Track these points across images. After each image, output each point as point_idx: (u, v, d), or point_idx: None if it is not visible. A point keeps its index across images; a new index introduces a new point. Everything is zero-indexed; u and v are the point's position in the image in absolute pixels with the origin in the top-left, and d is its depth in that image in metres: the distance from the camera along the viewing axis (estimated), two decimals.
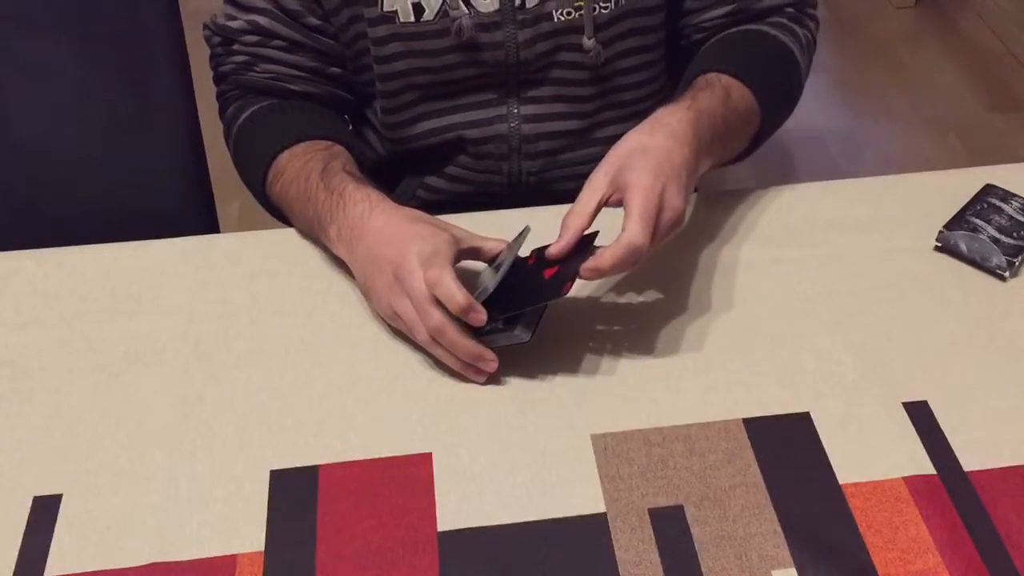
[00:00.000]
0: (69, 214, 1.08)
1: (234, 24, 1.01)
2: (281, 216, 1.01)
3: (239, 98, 1.04)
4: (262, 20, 1.00)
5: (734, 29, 1.05)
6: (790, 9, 1.06)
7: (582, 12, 0.98)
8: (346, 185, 0.90)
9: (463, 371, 0.83)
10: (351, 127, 1.17)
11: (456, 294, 0.78)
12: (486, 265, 0.87)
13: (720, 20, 1.05)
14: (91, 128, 1.05)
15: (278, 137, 0.98)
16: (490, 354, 0.81)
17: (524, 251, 0.86)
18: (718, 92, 0.93)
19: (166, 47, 1.06)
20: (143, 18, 1.02)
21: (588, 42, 1.00)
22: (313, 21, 1.01)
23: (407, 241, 0.83)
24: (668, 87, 1.12)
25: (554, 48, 1.01)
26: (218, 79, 1.06)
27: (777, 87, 1.01)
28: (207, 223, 1.18)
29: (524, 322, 0.81)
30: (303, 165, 0.94)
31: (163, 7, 1.05)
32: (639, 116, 1.10)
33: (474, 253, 0.87)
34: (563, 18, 0.99)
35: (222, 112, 1.07)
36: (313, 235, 0.95)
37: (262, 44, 1.01)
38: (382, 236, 0.85)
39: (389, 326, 0.88)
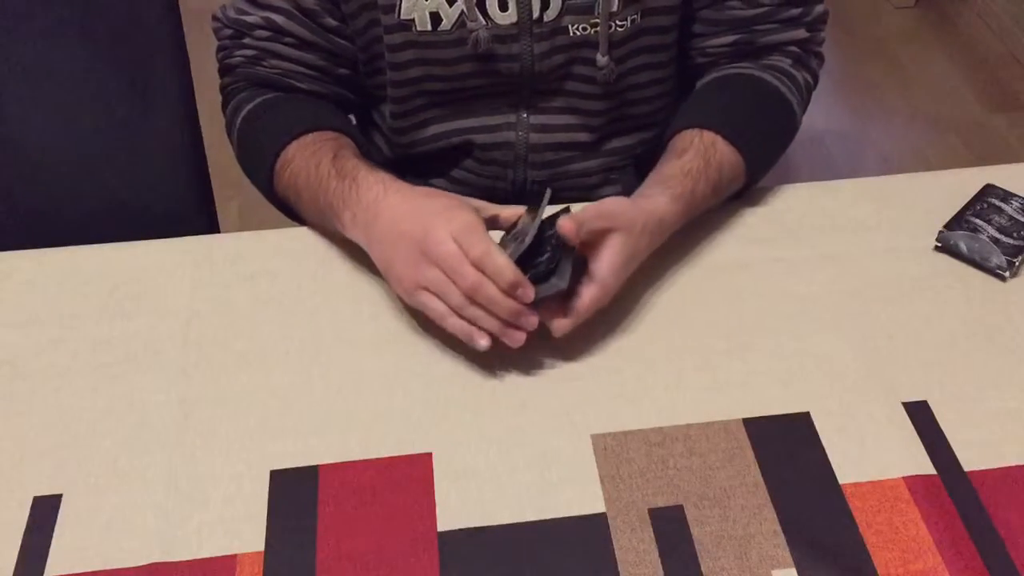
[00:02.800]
0: (69, 214, 1.08)
1: (248, 18, 1.00)
2: (285, 208, 1.00)
3: (244, 90, 1.03)
4: (278, 18, 0.99)
5: (727, 72, 1.04)
6: (795, 48, 1.04)
7: (598, 29, 0.98)
8: (359, 170, 0.89)
9: (500, 334, 0.81)
10: (361, 130, 1.17)
11: (506, 268, 0.78)
12: (502, 233, 0.87)
13: (724, 49, 1.04)
14: (91, 128, 1.05)
15: (286, 127, 0.97)
16: (530, 310, 0.80)
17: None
18: (698, 162, 0.93)
19: (166, 47, 1.06)
20: (143, 18, 1.02)
21: (602, 59, 1.00)
22: (331, 22, 1.00)
23: (430, 215, 0.82)
24: (679, 101, 1.12)
25: (568, 61, 1.01)
26: (224, 71, 1.05)
27: (765, 140, 0.99)
28: (207, 223, 1.18)
29: (558, 272, 0.81)
30: (312, 154, 0.93)
31: (163, 7, 1.05)
32: (647, 129, 1.11)
33: (492, 222, 0.87)
34: (579, 33, 0.98)
35: (225, 105, 1.06)
36: (324, 223, 0.94)
37: (274, 40, 1.00)
38: (400, 212, 0.84)
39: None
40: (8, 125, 1.02)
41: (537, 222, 0.83)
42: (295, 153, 0.95)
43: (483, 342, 0.81)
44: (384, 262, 0.86)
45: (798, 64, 1.05)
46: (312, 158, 0.93)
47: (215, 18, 1.04)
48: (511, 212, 0.87)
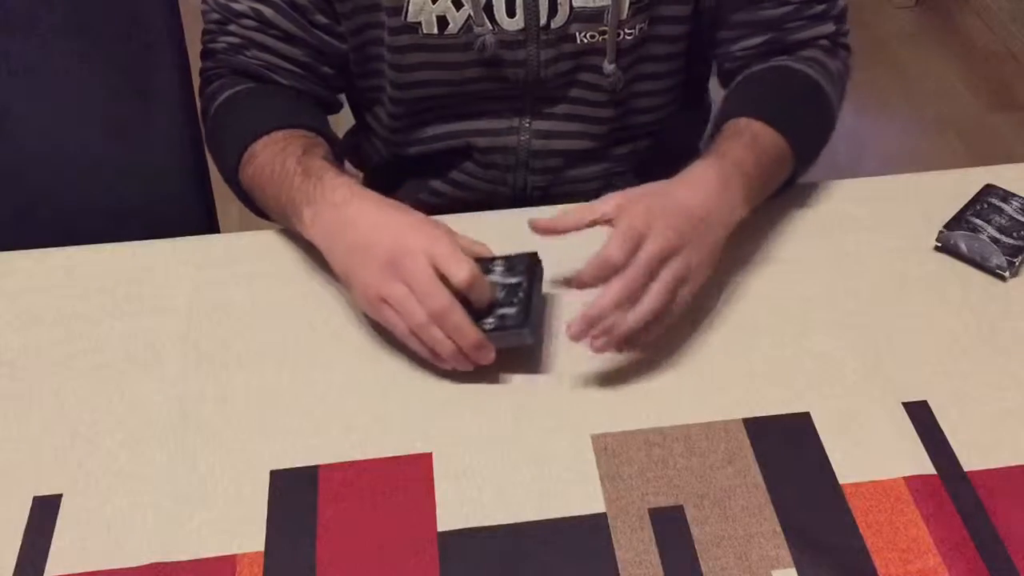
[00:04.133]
0: (69, 214, 1.08)
1: (236, 6, 0.98)
2: (248, 202, 0.98)
3: (223, 77, 1.01)
4: (267, 11, 0.97)
5: (762, 66, 1.02)
6: (824, 41, 1.04)
7: (606, 36, 0.98)
8: (325, 171, 0.88)
9: (453, 359, 0.80)
10: (357, 129, 1.16)
11: (484, 296, 0.79)
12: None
13: (753, 51, 1.03)
14: (91, 128, 1.05)
15: (258, 121, 0.95)
16: (490, 345, 0.80)
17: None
18: (746, 138, 0.91)
19: (166, 47, 1.06)
20: (143, 18, 1.02)
21: (609, 67, 1.00)
22: (321, 19, 0.99)
23: (406, 228, 0.81)
24: (681, 109, 1.12)
25: (574, 68, 1.01)
26: (205, 55, 1.03)
27: (807, 125, 0.98)
28: (207, 223, 1.18)
29: (529, 324, 0.81)
30: (280, 150, 0.91)
31: (163, 6, 1.05)
32: (649, 136, 1.10)
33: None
34: (586, 40, 0.98)
35: (203, 89, 1.04)
36: (285, 220, 0.92)
37: (259, 31, 0.98)
38: (371, 221, 0.83)
39: None
40: (8, 125, 1.02)
41: (525, 278, 0.83)
42: (262, 148, 0.93)
43: (447, 364, 0.81)
44: (346, 269, 0.84)
45: (828, 54, 1.04)
46: (279, 155, 0.91)
47: (204, 0, 1.02)
48: (479, 248, 0.85)
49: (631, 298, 0.78)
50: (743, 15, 1.02)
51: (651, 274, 0.79)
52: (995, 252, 0.91)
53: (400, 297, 0.80)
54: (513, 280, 0.83)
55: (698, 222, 0.82)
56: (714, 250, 0.84)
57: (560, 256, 0.88)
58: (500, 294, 0.82)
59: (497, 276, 0.83)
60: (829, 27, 1.03)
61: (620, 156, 1.11)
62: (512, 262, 0.85)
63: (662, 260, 0.79)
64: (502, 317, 0.81)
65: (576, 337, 0.79)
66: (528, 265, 0.85)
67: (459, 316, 0.78)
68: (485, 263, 0.84)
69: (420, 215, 0.84)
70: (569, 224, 0.83)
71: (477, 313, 0.80)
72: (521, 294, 0.82)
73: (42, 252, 0.96)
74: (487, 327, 0.80)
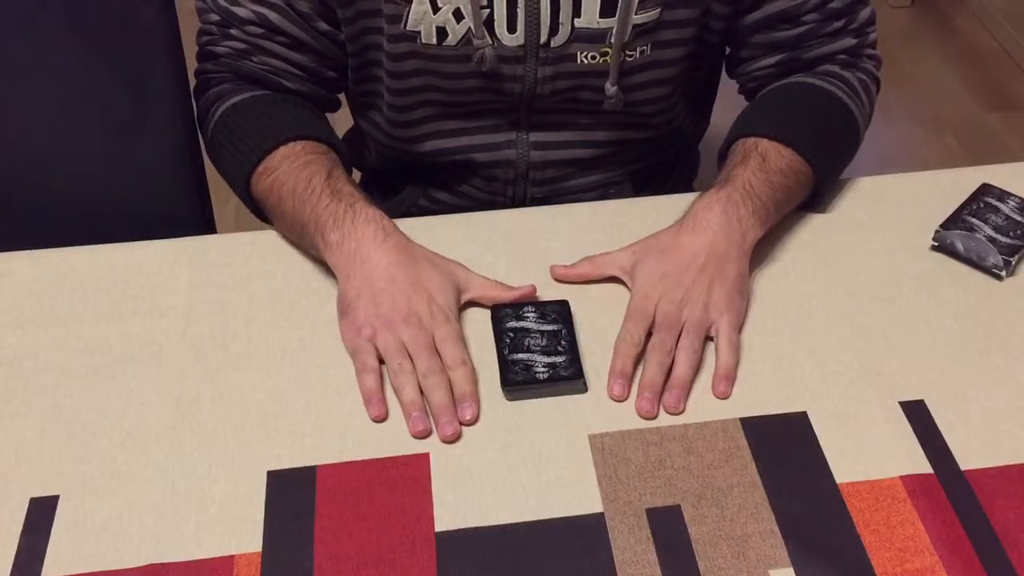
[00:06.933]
0: (67, 214, 1.08)
1: (239, 11, 0.97)
2: (257, 210, 0.98)
3: (226, 82, 1.01)
4: (272, 16, 0.97)
5: (776, 84, 1.02)
6: (843, 56, 1.02)
7: (607, 58, 0.97)
8: (356, 199, 0.89)
9: (408, 411, 0.80)
10: (355, 132, 1.16)
11: (465, 383, 0.81)
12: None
13: (771, 70, 1.03)
14: (88, 128, 1.05)
15: (275, 131, 0.95)
16: (454, 426, 0.79)
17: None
18: (754, 159, 0.92)
19: (163, 47, 1.05)
20: (140, 18, 1.02)
21: (611, 88, 0.99)
22: (323, 26, 0.98)
23: (417, 294, 0.84)
24: (683, 117, 1.12)
25: (573, 87, 1.00)
26: (206, 57, 1.02)
27: (820, 135, 0.96)
28: (204, 223, 1.18)
29: (584, 374, 0.82)
30: (302, 166, 0.92)
31: (159, 7, 1.05)
32: (648, 144, 1.10)
33: (480, 298, 0.88)
34: (587, 61, 0.98)
35: (202, 88, 1.03)
36: (299, 235, 0.92)
37: (266, 37, 0.98)
38: (390, 274, 0.85)
39: None
40: (5, 125, 1.02)
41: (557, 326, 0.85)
42: (281, 160, 0.93)
43: (374, 412, 0.81)
44: (352, 300, 0.85)
45: (848, 67, 1.02)
46: (302, 170, 0.91)
47: None
48: (503, 294, 0.88)
49: (669, 358, 0.83)
50: (759, 37, 1.02)
51: (674, 335, 0.84)
52: (991, 251, 0.92)
53: (389, 346, 0.82)
54: (550, 327, 0.85)
55: (703, 268, 0.86)
56: (730, 283, 0.86)
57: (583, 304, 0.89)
58: (541, 341, 0.84)
59: (531, 323, 0.85)
60: (848, 41, 1.02)
61: (618, 165, 1.11)
62: (544, 309, 0.86)
63: (677, 319, 0.84)
64: (554, 366, 0.82)
65: (619, 396, 0.82)
66: (562, 312, 0.86)
67: (440, 377, 0.80)
68: (517, 309, 0.86)
69: (440, 281, 0.86)
70: (589, 276, 0.90)
71: (520, 361, 0.82)
72: (564, 342, 0.83)
73: (39, 252, 0.96)
74: (540, 376, 0.81)
